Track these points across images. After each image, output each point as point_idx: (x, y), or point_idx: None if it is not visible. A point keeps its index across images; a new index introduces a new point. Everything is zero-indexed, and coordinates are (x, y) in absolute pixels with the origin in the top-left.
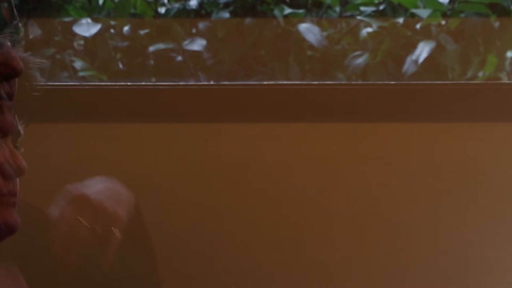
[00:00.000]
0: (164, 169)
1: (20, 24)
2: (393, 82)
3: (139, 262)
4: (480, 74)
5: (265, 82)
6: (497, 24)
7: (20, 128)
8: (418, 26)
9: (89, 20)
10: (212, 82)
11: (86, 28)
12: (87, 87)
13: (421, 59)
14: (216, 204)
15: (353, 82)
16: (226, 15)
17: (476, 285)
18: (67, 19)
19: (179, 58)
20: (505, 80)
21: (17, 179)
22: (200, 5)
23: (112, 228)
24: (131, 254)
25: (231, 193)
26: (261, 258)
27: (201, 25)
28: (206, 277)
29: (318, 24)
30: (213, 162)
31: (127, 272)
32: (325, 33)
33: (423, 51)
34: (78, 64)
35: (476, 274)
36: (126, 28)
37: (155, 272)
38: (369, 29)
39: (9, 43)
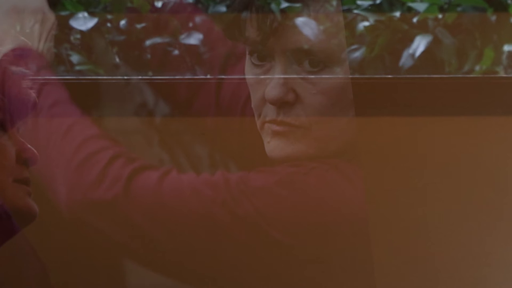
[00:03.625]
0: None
1: None
2: (390, 76)
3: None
4: (477, 68)
5: (262, 76)
6: (494, 18)
7: (20, 127)
8: (415, 20)
9: (85, 14)
10: (208, 76)
11: (83, 22)
12: (84, 81)
13: (418, 53)
14: None
15: (350, 76)
16: (223, 9)
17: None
18: (63, 13)
19: (176, 52)
20: (502, 74)
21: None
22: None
23: None
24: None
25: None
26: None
27: (198, 19)
28: None
29: (315, 18)
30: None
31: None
32: (322, 27)
33: (420, 45)
34: (74, 58)
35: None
36: (122, 22)
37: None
38: (366, 23)
39: None
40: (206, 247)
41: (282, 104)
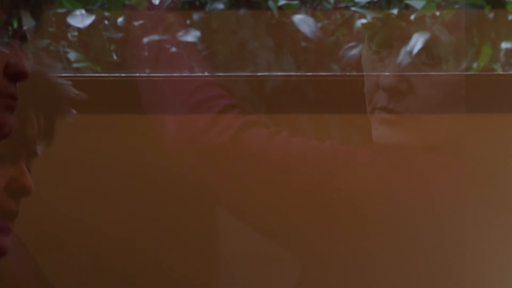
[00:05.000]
0: (160, 160)
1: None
2: (387, 73)
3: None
4: (475, 65)
5: (259, 73)
6: (491, 15)
7: (38, 149)
8: (412, 17)
9: (83, 11)
10: (206, 73)
11: (80, 19)
12: (81, 78)
13: (415, 50)
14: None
15: (348, 73)
16: (221, 6)
17: None
18: (61, 10)
19: (173, 49)
20: (499, 71)
21: (20, 200)
22: None
23: None
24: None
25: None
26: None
27: (196, 16)
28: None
29: (313, 15)
30: (211, 154)
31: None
32: (319, 24)
33: (417, 42)
34: (72, 55)
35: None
36: (120, 19)
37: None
38: (364, 20)
39: (17, 45)
40: (302, 209)
41: (394, 93)
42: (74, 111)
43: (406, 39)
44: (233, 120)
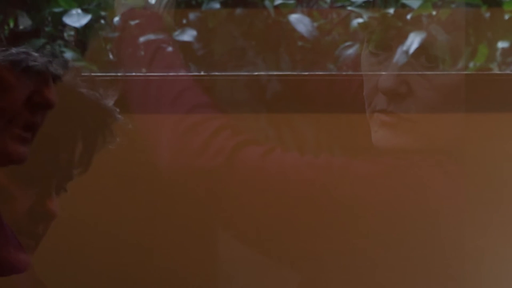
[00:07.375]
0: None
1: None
2: (384, 73)
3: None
4: (471, 64)
5: (256, 73)
6: (487, 14)
7: (74, 172)
8: (408, 16)
9: (79, 10)
10: (202, 73)
11: (77, 18)
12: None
13: (411, 50)
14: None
15: (344, 73)
16: (217, 5)
17: None
18: (57, 9)
19: (170, 48)
20: (496, 70)
21: (48, 223)
22: None
23: None
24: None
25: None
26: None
27: (192, 15)
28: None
29: (309, 14)
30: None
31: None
32: (315, 24)
33: (413, 41)
34: (68, 54)
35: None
36: (116, 19)
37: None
38: (360, 20)
39: (50, 70)
40: (301, 226)
41: (394, 96)
42: (117, 138)
43: (403, 38)
44: (226, 141)
